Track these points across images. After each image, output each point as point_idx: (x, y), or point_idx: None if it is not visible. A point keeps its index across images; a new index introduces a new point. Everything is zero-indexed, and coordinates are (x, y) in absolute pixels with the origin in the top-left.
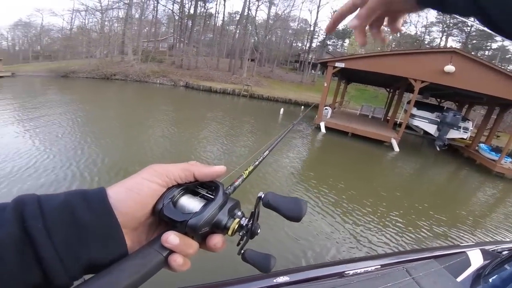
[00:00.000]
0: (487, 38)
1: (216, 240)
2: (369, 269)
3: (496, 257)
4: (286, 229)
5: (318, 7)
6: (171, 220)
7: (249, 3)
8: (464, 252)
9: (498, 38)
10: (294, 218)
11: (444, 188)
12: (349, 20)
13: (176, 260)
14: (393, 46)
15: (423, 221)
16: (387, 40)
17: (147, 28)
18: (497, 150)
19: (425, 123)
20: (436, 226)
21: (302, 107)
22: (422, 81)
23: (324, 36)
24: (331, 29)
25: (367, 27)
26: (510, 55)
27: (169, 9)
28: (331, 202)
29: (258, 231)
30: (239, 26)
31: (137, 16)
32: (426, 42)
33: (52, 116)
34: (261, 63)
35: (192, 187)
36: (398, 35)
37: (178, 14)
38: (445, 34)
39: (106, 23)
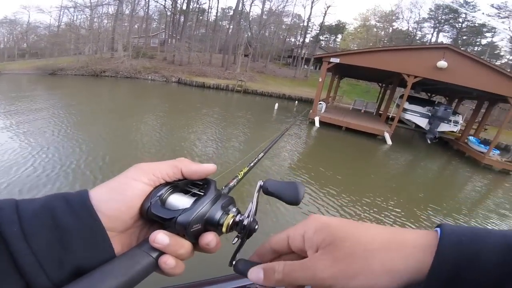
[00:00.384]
0: (477, 34)
1: (209, 238)
2: None
3: None
4: (275, 219)
5: (312, 2)
6: (159, 218)
7: None
8: None
9: (488, 34)
10: (293, 202)
11: (436, 180)
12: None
13: (167, 262)
14: (385, 41)
15: (421, 211)
16: None
17: (138, 24)
18: (485, 142)
19: (416, 117)
20: (433, 215)
21: (296, 102)
22: (415, 77)
23: (318, 31)
24: None
25: None
26: (498, 51)
27: (161, 4)
28: (331, 194)
29: (256, 227)
30: (232, 22)
31: (127, 12)
32: (417, 38)
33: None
34: (254, 59)
35: (182, 185)
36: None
37: (170, 9)
38: (436, 30)
39: (95, 19)
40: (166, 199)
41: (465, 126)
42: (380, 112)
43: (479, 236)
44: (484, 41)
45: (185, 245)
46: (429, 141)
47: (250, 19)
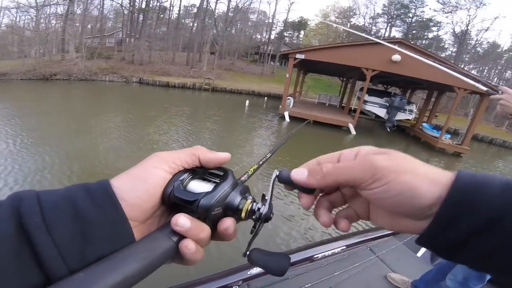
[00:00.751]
0: (425, 28)
1: (228, 223)
2: (336, 250)
3: None
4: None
5: None
6: (182, 201)
7: None
8: None
9: (434, 28)
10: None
11: None
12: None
13: (188, 246)
14: (343, 37)
15: None
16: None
17: (91, 24)
18: (437, 128)
19: (376, 107)
20: None
21: (265, 98)
22: (373, 70)
23: (282, 28)
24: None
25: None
26: (443, 44)
27: (118, 3)
28: None
29: (271, 215)
30: (197, 19)
31: (79, 12)
32: (373, 33)
33: None
34: (221, 56)
35: (201, 172)
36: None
37: (128, 8)
38: (389, 25)
39: (42, 20)
40: (187, 184)
41: (418, 114)
42: (343, 105)
43: (488, 176)
44: (430, 35)
45: (205, 229)
46: (388, 129)
47: (216, 16)
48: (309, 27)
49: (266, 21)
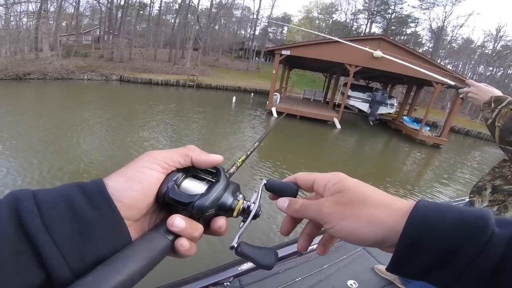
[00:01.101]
0: (404, 24)
1: (221, 222)
2: None
3: None
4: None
5: None
6: (177, 202)
7: None
8: None
9: (412, 24)
10: (293, 194)
11: (383, 156)
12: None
13: (183, 244)
14: (326, 32)
15: (378, 184)
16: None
17: (65, 22)
18: (417, 121)
19: (359, 102)
20: (383, 188)
21: (252, 94)
22: (356, 66)
23: (266, 24)
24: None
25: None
26: (420, 39)
27: (95, 0)
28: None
29: (260, 213)
30: (179, 15)
31: (52, 9)
32: (353, 29)
33: None
34: (205, 52)
35: (194, 171)
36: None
37: (105, 5)
38: (370, 21)
39: (12, 18)
40: (181, 184)
41: (399, 108)
42: (327, 100)
43: (442, 211)
44: (409, 31)
45: (199, 228)
46: (371, 123)
47: (199, 12)
48: (292, 23)
49: (251, 17)
